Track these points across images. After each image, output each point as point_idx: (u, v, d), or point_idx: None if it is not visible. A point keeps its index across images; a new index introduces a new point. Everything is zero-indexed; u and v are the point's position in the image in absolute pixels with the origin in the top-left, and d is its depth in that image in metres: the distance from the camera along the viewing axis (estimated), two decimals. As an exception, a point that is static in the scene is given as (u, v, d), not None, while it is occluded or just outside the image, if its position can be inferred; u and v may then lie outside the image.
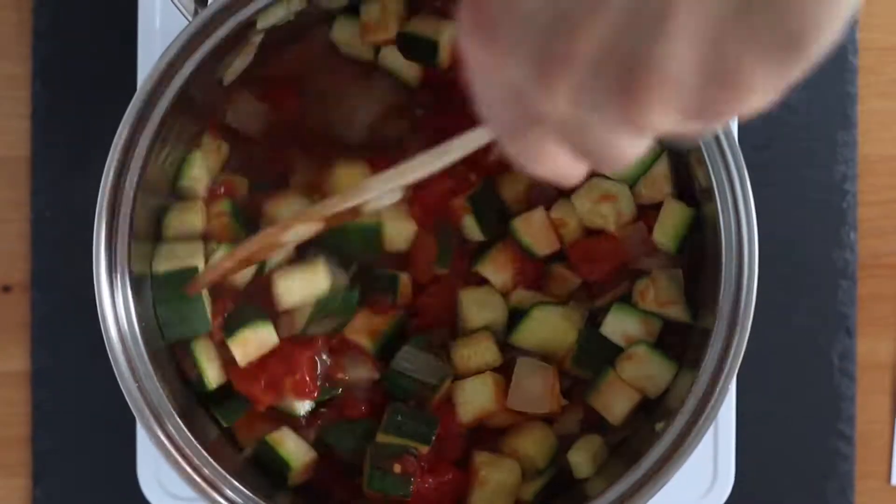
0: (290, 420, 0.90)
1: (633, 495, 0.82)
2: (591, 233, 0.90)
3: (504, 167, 0.90)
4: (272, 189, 0.90)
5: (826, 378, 1.02)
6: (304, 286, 0.87)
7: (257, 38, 0.87)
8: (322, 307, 0.88)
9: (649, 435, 0.85)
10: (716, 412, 0.82)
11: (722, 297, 0.83)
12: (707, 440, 0.95)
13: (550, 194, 0.90)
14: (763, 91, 0.47)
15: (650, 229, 0.89)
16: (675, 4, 0.45)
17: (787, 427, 1.02)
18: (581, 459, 0.88)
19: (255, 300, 0.88)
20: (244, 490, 0.84)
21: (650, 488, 0.82)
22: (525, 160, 0.54)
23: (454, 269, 0.91)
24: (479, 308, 0.90)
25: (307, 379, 0.88)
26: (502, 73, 0.51)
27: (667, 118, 0.48)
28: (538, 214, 0.89)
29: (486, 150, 0.66)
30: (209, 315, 0.87)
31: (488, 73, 0.52)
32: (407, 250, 0.90)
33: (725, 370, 0.82)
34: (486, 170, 0.91)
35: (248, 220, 0.89)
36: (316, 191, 0.90)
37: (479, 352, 0.89)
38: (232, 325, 0.87)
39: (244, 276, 0.87)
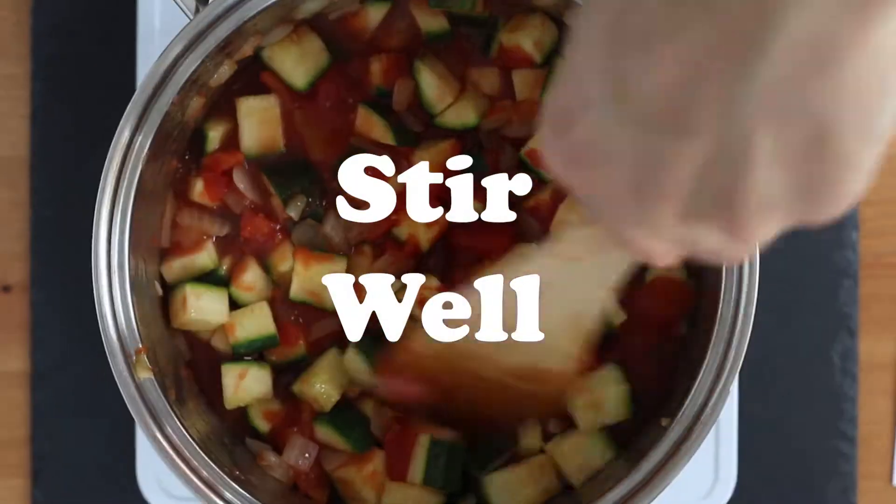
0: None
1: (634, 498, 0.82)
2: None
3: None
4: None
5: (828, 378, 1.02)
6: None
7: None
8: None
9: (655, 433, 0.84)
10: (717, 414, 0.82)
11: (723, 296, 0.82)
12: (708, 441, 0.94)
13: None
14: (862, 172, 0.50)
15: None
16: (756, 133, 0.48)
17: (789, 427, 1.01)
18: None
19: None
20: (243, 492, 0.84)
21: (651, 490, 0.82)
22: (630, 248, 0.57)
23: None
24: None
25: None
26: (600, 192, 0.54)
27: (769, 228, 0.52)
28: None
29: None
30: None
31: (584, 189, 0.56)
32: None
33: (727, 371, 0.82)
34: None
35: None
36: None
37: None
38: None
39: None
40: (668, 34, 0.48)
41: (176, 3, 0.83)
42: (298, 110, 0.91)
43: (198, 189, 0.90)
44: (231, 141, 0.91)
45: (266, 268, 0.91)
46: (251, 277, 0.90)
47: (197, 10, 0.83)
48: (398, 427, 0.90)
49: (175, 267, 0.90)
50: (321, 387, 0.89)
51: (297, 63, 0.89)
